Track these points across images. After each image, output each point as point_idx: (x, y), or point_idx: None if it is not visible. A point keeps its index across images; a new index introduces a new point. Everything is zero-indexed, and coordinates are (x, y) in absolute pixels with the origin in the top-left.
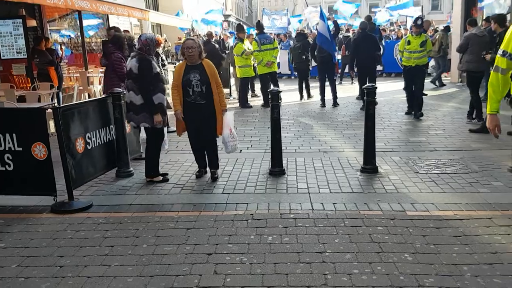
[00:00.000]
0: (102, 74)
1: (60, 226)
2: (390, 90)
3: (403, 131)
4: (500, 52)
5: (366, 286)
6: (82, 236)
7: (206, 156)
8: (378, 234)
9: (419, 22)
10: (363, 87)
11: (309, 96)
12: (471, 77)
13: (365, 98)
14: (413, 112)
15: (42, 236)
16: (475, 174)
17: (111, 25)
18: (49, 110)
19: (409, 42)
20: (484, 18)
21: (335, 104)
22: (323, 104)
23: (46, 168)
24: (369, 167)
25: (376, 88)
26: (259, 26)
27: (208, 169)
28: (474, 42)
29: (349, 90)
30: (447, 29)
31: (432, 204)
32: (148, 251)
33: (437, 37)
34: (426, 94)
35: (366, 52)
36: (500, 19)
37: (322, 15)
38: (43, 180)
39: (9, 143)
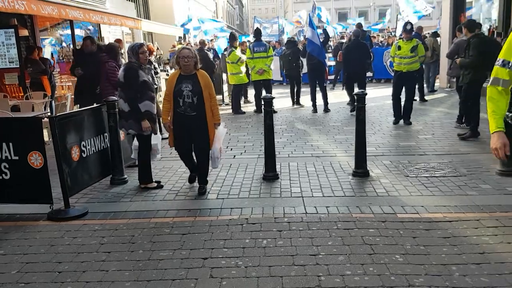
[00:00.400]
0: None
1: (57, 233)
2: (381, 96)
3: (393, 136)
4: (499, 62)
5: (358, 287)
6: (79, 243)
7: (198, 167)
8: (370, 236)
9: (408, 27)
10: (354, 93)
11: (298, 103)
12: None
13: (355, 104)
14: (400, 118)
15: (40, 243)
16: (464, 177)
17: (102, 34)
18: (45, 119)
19: (399, 47)
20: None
21: (326, 109)
22: (315, 110)
23: (43, 176)
24: (361, 171)
25: (366, 94)
26: (256, 34)
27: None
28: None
29: (340, 95)
30: (435, 34)
31: (422, 206)
32: (144, 257)
33: (428, 43)
34: (426, 100)
35: (357, 59)
36: (469, 24)
37: (311, 23)
38: (40, 188)
39: (5, 152)
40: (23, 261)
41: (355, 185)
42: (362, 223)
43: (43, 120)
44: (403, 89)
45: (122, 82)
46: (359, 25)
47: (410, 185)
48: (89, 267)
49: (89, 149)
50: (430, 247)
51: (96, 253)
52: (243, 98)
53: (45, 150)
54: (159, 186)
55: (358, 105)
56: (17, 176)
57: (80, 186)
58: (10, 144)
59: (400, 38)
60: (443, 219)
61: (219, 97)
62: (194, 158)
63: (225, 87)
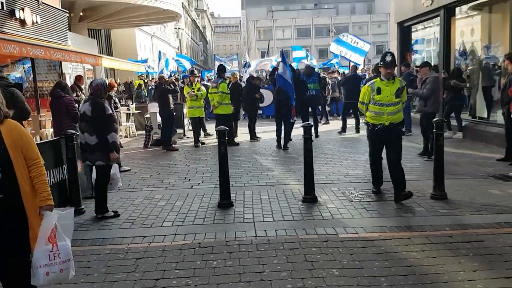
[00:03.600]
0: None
1: None
2: (336, 129)
3: (344, 165)
4: None
5: None
6: None
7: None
8: (312, 254)
9: (388, 59)
10: (301, 125)
11: (254, 137)
12: (432, 117)
13: (303, 135)
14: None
15: None
16: (402, 201)
17: (64, 70)
18: None
19: (379, 91)
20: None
21: (285, 147)
22: (279, 146)
23: None
24: (309, 197)
25: (311, 126)
26: (219, 70)
27: None
28: (438, 84)
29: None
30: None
31: (362, 227)
32: (99, 279)
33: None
34: None
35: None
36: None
37: (283, 59)
38: None
39: None
40: None
41: (303, 210)
42: (306, 243)
43: None
44: (384, 150)
45: (89, 116)
46: (308, 66)
47: (353, 209)
48: None
49: (48, 180)
50: (364, 262)
51: None
52: (202, 131)
53: None
54: (116, 215)
55: (305, 136)
56: None
57: None
58: None
59: (372, 78)
60: (378, 237)
61: (179, 130)
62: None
63: (186, 121)
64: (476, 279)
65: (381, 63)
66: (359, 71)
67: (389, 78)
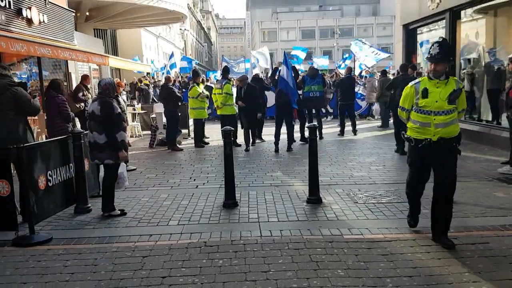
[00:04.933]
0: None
1: (22, 258)
2: (337, 131)
3: (348, 167)
4: None
5: None
6: (44, 266)
7: None
8: (317, 254)
9: (434, 51)
10: (306, 126)
11: (259, 138)
12: None
13: (308, 136)
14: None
15: (4, 266)
16: (407, 203)
17: (69, 70)
18: None
19: (425, 93)
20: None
21: (289, 148)
22: (277, 149)
23: (8, 204)
24: (314, 198)
25: (317, 127)
26: (223, 71)
27: None
28: None
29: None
30: (384, 73)
31: (366, 229)
32: (106, 277)
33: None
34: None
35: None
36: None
37: (286, 61)
38: (6, 216)
39: None
40: None
41: (308, 211)
42: (311, 244)
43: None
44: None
45: (98, 115)
46: (312, 67)
47: (358, 210)
48: (53, 286)
49: (55, 178)
50: (369, 263)
51: (60, 274)
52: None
53: (12, 179)
54: (123, 213)
55: (310, 137)
56: None
57: (46, 214)
58: None
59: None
60: (383, 239)
61: (185, 131)
62: None
63: (190, 121)
64: (481, 281)
65: (430, 55)
66: (364, 73)
67: (439, 77)
